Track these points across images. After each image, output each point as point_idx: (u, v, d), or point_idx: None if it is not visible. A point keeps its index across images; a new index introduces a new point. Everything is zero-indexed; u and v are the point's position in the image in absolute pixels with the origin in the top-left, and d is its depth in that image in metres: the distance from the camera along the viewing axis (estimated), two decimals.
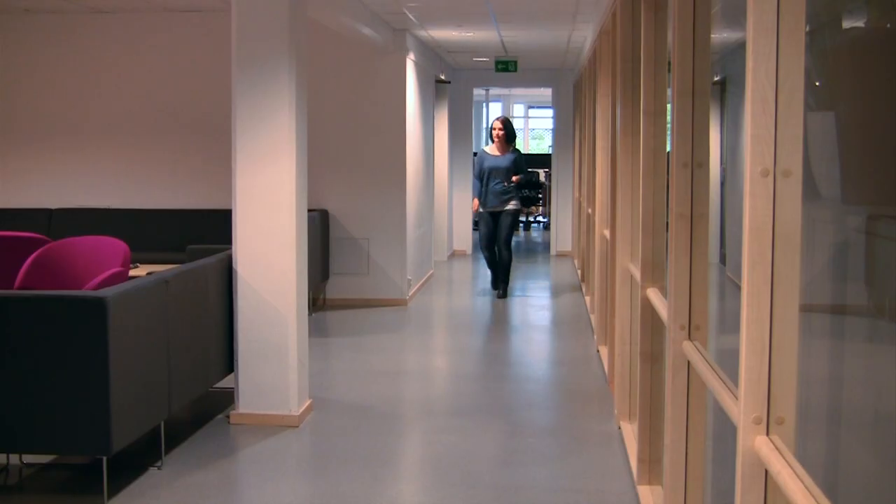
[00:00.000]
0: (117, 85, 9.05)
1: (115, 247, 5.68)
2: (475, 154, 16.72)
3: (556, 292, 11.01)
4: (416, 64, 10.18)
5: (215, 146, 8.79)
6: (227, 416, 5.54)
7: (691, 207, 3.25)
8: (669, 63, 3.89)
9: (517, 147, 10.31)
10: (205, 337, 5.24)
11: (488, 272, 12.64)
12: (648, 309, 4.20)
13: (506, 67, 12.22)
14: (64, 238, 5.96)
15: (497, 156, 9.89)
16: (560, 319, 9.27)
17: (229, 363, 5.53)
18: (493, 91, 20.14)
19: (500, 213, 9.87)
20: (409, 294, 9.66)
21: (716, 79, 7.94)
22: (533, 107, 25.86)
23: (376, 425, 5.56)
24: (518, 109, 25.81)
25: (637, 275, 4.56)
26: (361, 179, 9.31)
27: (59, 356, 4.16)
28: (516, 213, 10.02)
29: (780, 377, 2.09)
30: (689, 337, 3.21)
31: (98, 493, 4.31)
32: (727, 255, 7.01)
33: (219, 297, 5.38)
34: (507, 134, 9.89)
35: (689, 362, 3.20)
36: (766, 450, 2.05)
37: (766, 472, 2.07)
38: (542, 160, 18.42)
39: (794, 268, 2.07)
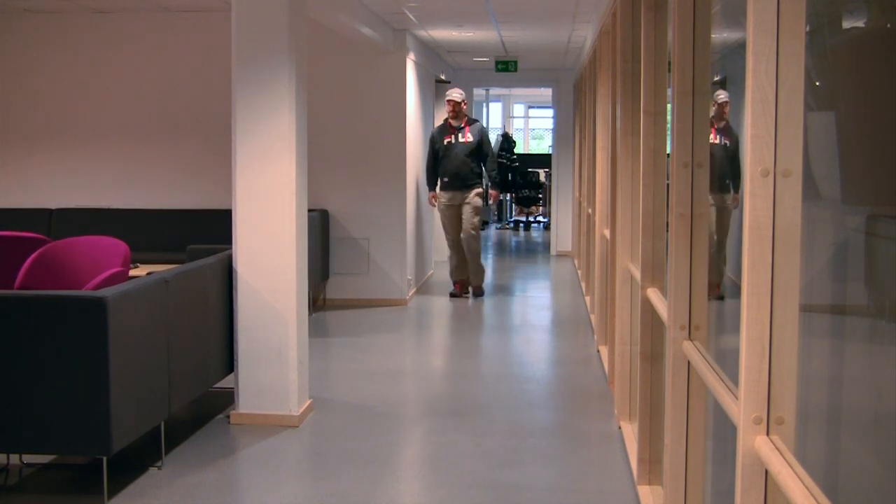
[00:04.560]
0: (117, 85, 9.04)
1: (115, 247, 5.68)
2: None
3: (556, 292, 11.01)
4: (417, 64, 10.18)
5: (215, 146, 8.79)
6: (227, 416, 5.54)
7: (691, 207, 3.25)
8: (669, 63, 3.89)
9: None
10: (205, 337, 5.24)
11: (490, 273, 12.64)
12: (648, 309, 4.20)
13: (506, 67, 12.23)
14: (64, 238, 5.95)
15: None
16: (560, 319, 9.27)
17: (229, 363, 5.53)
18: (494, 91, 20.17)
19: None
20: (409, 294, 9.66)
21: (716, 79, 7.93)
22: (533, 107, 25.88)
23: (376, 425, 5.56)
24: (518, 109, 25.82)
25: (637, 275, 4.56)
26: (361, 179, 9.31)
27: (59, 356, 4.16)
28: None
29: (780, 377, 2.09)
30: (689, 337, 3.21)
31: (98, 493, 4.31)
32: (727, 255, 7.00)
33: (219, 297, 5.38)
34: None
35: (689, 362, 3.20)
36: (766, 450, 2.05)
37: (766, 472, 2.07)
38: (542, 160, 18.43)
39: (794, 268, 2.07)
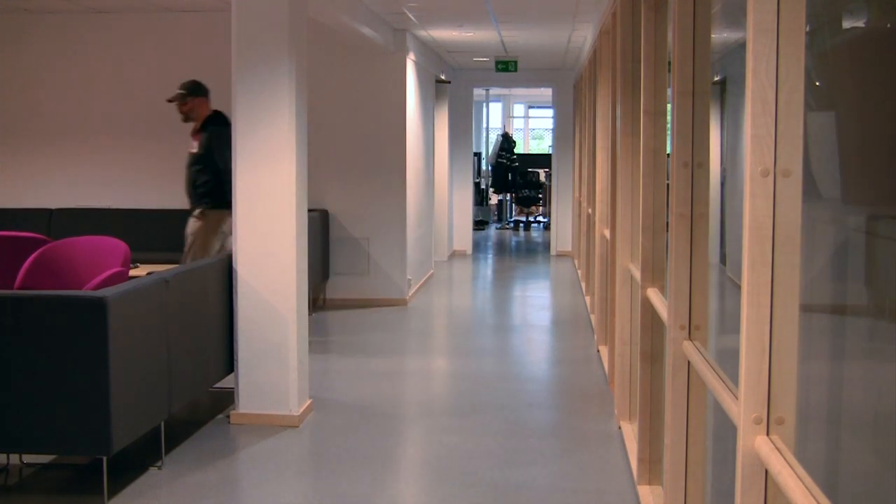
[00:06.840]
0: (117, 85, 9.04)
1: (115, 247, 5.68)
2: (476, 154, 16.69)
3: (556, 292, 11.01)
4: (417, 64, 10.18)
5: None
6: (227, 416, 5.54)
7: (691, 207, 3.25)
8: (669, 63, 3.89)
9: None
10: (205, 337, 5.24)
11: (490, 273, 12.65)
12: (648, 309, 4.20)
13: (506, 67, 12.22)
14: (64, 238, 5.95)
15: None
16: (560, 319, 9.27)
17: (229, 363, 5.53)
18: (493, 91, 20.16)
19: None
20: (409, 294, 9.66)
21: (716, 79, 7.94)
22: (533, 107, 25.88)
23: (376, 425, 5.56)
24: (518, 109, 25.82)
25: (637, 275, 4.56)
26: (361, 179, 9.31)
27: (59, 356, 4.16)
28: None
29: (780, 377, 2.09)
30: (689, 337, 3.21)
31: (98, 493, 4.31)
32: (727, 255, 7.01)
33: (219, 297, 5.38)
34: None
35: (689, 362, 3.20)
36: (766, 450, 2.05)
37: (766, 472, 2.07)
38: (543, 160, 18.43)
39: (794, 268, 2.07)
